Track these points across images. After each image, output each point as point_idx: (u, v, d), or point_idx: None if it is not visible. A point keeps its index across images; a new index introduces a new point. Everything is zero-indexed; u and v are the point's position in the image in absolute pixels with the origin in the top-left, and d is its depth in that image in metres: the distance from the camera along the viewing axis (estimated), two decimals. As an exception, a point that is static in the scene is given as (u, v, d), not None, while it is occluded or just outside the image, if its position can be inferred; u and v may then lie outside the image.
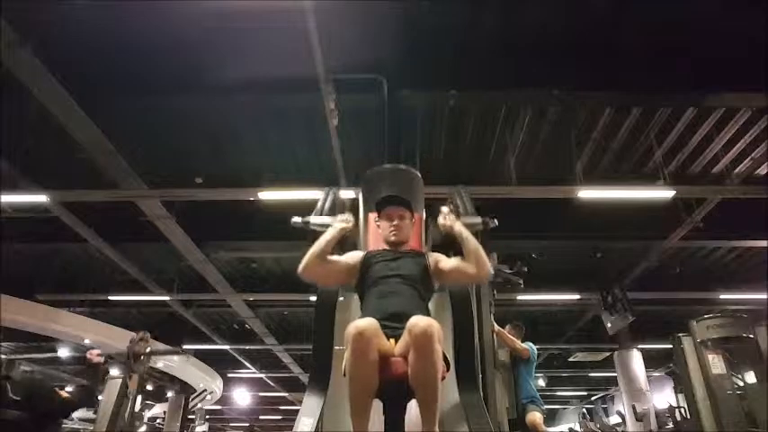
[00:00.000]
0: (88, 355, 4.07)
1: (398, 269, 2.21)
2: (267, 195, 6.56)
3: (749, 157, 6.70)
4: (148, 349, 4.34)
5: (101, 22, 4.85)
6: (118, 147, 5.92)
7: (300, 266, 2.18)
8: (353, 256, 2.36)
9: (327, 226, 2.36)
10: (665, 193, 6.58)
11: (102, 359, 4.04)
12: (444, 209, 2.42)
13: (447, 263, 2.28)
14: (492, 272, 2.25)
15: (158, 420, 14.53)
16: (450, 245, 2.41)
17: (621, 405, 12.41)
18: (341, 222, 2.33)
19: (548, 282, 9.52)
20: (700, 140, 6.46)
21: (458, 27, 5.15)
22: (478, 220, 2.47)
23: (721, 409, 6.00)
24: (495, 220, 2.49)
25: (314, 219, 2.52)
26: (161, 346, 11.12)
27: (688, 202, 7.21)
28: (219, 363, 15.16)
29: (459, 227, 2.26)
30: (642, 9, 4.93)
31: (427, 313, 2.13)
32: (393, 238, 2.36)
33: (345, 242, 2.54)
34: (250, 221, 7.93)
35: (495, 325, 4.40)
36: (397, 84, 5.61)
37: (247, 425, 24.26)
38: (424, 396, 1.77)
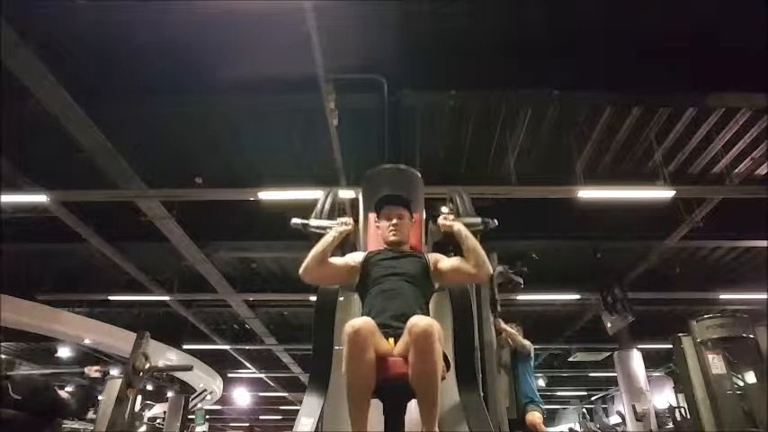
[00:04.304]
0: (87, 370, 4.06)
1: (399, 268, 2.22)
2: (267, 195, 6.55)
3: (749, 157, 6.70)
4: (148, 366, 4.32)
5: (101, 22, 4.85)
6: (118, 147, 5.92)
7: (301, 269, 2.20)
8: (354, 257, 2.37)
9: (326, 229, 2.36)
10: (665, 193, 6.58)
11: (99, 375, 4.03)
12: (444, 209, 2.42)
13: (446, 263, 2.28)
14: (491, 271, 2.24)
15: (158, 420, 14.51)
16: (449, 244, 2.41)
17: (621, 405, 12.40)
18: (340, 225, 2.33)
19: (548, 282, 9.51)
20: (700, 140, 6.45)
21: (458, 27, 5.15)
22: (478, 220, 2.47)
23: (721, 409, 6.00)
24: (495, 221, 2.49)
25: (313, 222, 2.52)
26: (161, 346, 11.15)
27: (688, 202, 7.21)
28: (219, 363, 15.16)
29: (458, 226, 2.27)
30: (642, 9, 4.93)
31: (427, 312, 2.14)
32: (392, 238, 2.37)
33: (345, 243, 2.54)
34: (250, 221, 7.93)
35: (501, 322, 4.44)
36: (397, 84, 5.60)
37: (247, 425, 24.24)
38: (424, 396, 1.77)
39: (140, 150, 6.45)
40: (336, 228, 2.32)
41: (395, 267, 2.22)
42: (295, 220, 2.54)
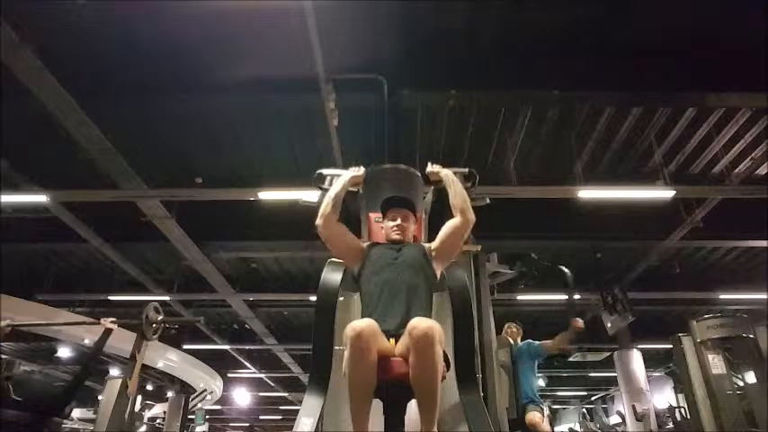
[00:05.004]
0: (102, 321, 4.07)
1: (401, 256, 2.28)
2: (267, 195, 6.55)
3: (749, 157, 6.69)
4: (161, 317, 4.31)
5: (101, 23, 4.85)
6: (118, 147, 5.91)
7: (318, 218, 2.33)
8: (362, 242, 2.51)
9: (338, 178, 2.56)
10: (665, 193, 6.58)
11: (115, 326, 4.05)
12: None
13: (437, 239, 2.38)
14: (473, 217, 2.36)
15: (158, 420, 14.51)
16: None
17: (621, 405, 12.40)
18: (352, 171, 2.55)
19: (548, 282, 9.50)
20: (700, 140, 6.45)
21: (458, 27, 5.15)
22: (465, 170, 2.75)
23: (721, 409, 6.00)
24: (487, 199, 2.65)
25: (326, 171, 2.71)
26: (161, 346, 11.13)
27: (688, 202, 7.21)
28: (219, 363, 15.15)
29: (446, 172, 2.55)
30: (642, 9, 4.93)
31: (430, 304, 2.18)
32: (396, 237, 2.42)
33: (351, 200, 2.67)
34: (250, 221, 7.93)
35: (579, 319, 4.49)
36: (397, 84, 5.60)
37: (247, 425, 24.24)
38: (424, 397, 1.78)
39: (140, 150, 6.45)
40: (347, 173, 2.54)
41: (396, 257, 2.27)
42: (304, 199, 2.66)
